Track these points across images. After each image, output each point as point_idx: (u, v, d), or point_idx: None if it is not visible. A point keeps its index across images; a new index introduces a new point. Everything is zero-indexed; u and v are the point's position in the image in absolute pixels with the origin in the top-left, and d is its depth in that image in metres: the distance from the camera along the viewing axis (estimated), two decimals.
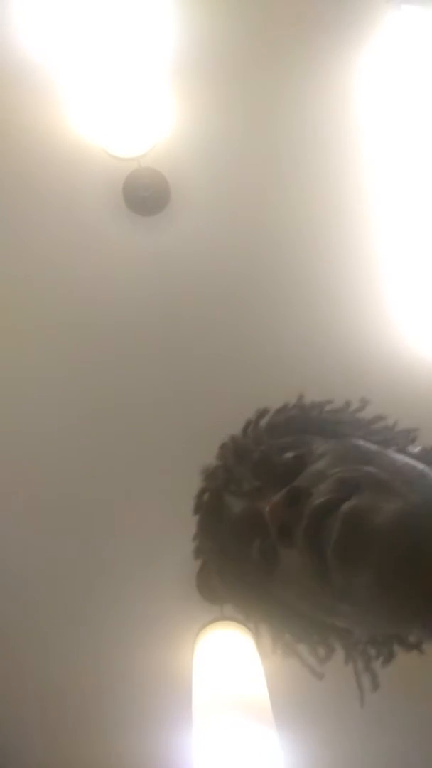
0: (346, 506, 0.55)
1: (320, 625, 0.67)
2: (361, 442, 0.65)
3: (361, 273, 1.75)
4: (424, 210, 1.68)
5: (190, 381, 1.84)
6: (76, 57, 1.50)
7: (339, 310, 1.78)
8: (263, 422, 0.73)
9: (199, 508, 0.74)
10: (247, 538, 0.64)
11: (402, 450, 0.65)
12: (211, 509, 0.71)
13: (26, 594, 1.98)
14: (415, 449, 0.65)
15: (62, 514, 1.93)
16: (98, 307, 1.79)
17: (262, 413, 0.73)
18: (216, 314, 1.80)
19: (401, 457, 0.62)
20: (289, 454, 0.64)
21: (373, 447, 0.64)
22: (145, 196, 1.67)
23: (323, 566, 0.55)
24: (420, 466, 0.61)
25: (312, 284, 1.78)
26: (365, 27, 1.55)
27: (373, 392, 0.75)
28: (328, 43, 1.56)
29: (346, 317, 1.78)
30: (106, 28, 1.47)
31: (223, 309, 1.80)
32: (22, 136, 1.61)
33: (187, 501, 1.96)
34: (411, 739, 2.08)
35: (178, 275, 1.76)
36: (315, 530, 0.55)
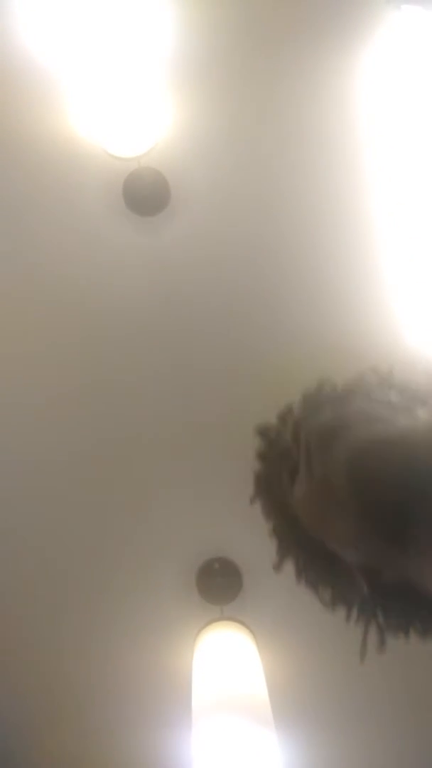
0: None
1: (343, 572, 0.69)
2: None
3: (362, 269, 1.75)
4: (424, 210, 1.68)
5: (190, 380, 1.84)
6: (77, 57, 1.50)
7: (339, 308, 1.78)
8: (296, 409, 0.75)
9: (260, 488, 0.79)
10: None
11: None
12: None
13: (26, 594, 1.98)
14: None
15: (62, 514, 1.93)
16: (98, 307, 1.79)
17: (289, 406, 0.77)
18: (216, 313, 1.80)
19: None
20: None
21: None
22: (145, 196, 1.68)
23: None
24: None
25: (312, 283, 1.78)
26: (365, 27, 1.55)
27: None
28: (328, 43, 1.56)
29: (346, 314, 1.78)
30: (106, 28, 1.47)
31: (223, 308, 1.80)
32: (22, 136, 1.61)
33: (188, 501, 1.97)
34: (411, 739, 2.08)
35: (177, 275, 1.76)
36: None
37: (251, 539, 1.96)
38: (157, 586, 1.97)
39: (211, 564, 1.97)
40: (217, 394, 1.84)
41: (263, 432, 0.76)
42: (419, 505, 0.57)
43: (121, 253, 1.75)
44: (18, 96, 1.57)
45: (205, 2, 1.52)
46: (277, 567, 0.76)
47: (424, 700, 2.03)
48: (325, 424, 0.67)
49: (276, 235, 1.75)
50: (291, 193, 1.71)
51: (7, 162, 1.65)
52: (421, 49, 1.53)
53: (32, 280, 1.77)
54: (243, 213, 1.73)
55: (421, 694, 2.02)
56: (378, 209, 1.71)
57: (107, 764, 2.03)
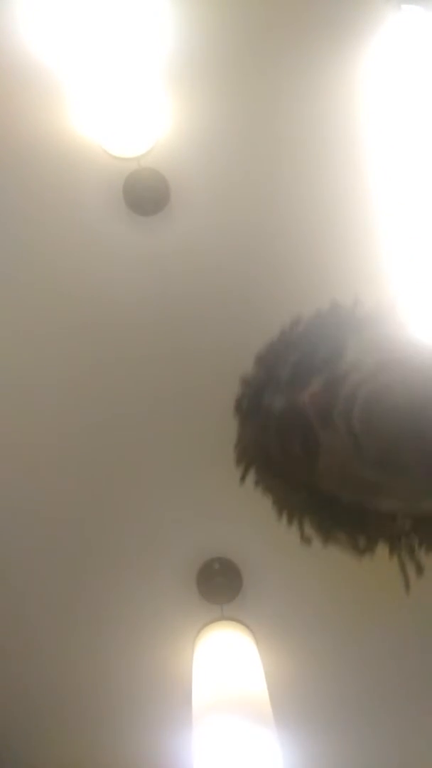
0: (366, 388, 0.62)
1: (362, 513, 0.71)
2: (387, 332, 0.72)
3: (363, 273, 1.75)
4: (425, 210, 1.68)
5: (190, 380, 1.84)
6: (76, 57, 1.51)
7: None
8: (299, 328, 0.80)
9: (239, 410, 0.80)
10: (289, 433, 0.70)
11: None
12: (252, 410, 0.77)
13: (25, 594, 1.98)
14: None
15: (62, 514, 1.93)
16: (98, 307, 1.79)
17: (296, 321, 0.82)
18: (216, 313, 1.80)
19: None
20: (326, 349, 0.71)
21: (395, 332, 0.71)
22: (145, 196, 1.68)
23: (356, 441, 0.62)
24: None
25: (312, 283, 1.78)
26: (365, 27, 1.55)
27: None
28: (327, 44, 1.56)
29: None
30: (106, 28, 1.47)
31: (223, 308, 1.80)
32: (22, 136, 1.62)
33: (188, 501, 1.97)
34: (411, 739, 2.08)
35: (177, 275, 1.77)
36: (348, 412, 0.62)
37: (251, 539, 1.97)
38: (157, 586, 1.97)
39: (211, 564, 1.97)
40: (218, 393, 1.84)
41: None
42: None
43: (121, 252, 1.75)
44: (18, 96, 1.57)
45: (205, 2, 1.52)
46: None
47: (424, 700, 2.04)
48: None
49: (276, 235, 1.75)
50: (291, 194, 1.71)
51: (6, 162, 1.65)
52: (422, 49, 1.53)
53: (32, 280, 1.77)
54: (243, 213, 1.73)
55: (421, 693, 2.03)
56: (379, 209, 1.71)
57: (107, 764, 2.04)
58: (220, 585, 1.97)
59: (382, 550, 0.74)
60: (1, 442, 1.87)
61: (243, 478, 0.81)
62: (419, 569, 0.72)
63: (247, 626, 1.92)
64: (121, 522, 1.94)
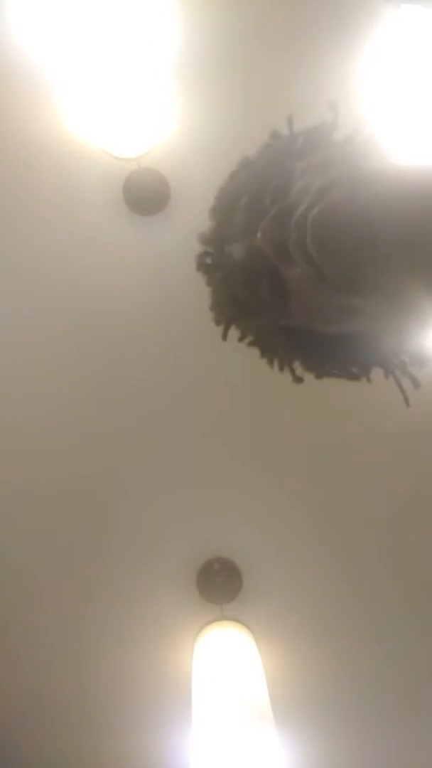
0: (321, 205, 0.58)
1: (346, 341, 0.69)
2: (333, 151, 0.69)
3: None
4: None
5: (190, 379, 1.84)
6: (77, 58, 1.50)
7: None
8: (244, 169, 0.77)
9: (204, 268, 0.76)
10: (255, 279, 0.67)
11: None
12: (217, 265, 0.74)
13: (26, 594, 1.98)
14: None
15: (62, 514, 1.93)
16: (98, 306, 1.79)
17: (241, 162, 0.79)
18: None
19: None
20: (273, 184, 0.67)
21: (343, 150, 0.68)
22: (145, 196, 1.68)
23: (315, 267, 0.58)
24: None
25: None
26: (365, 26, 1.55)
27: None
28: (328, 43, 1.56)
29: None
30: (107, 30, 1.47)
31: None
32: (22, 137, 1.61)
33: (188, 501, 1.96)
34: (410, 738, 2.08)
35: (177, 275, 1.76)
36: (302, 239, 0.59)
37: (251, 539, 1.97)
38: (157, 586, 1.97)
39: (211, 564, 1.97)
40: (218, 392, 1.84)
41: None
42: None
43: (121, 252, 1.75)
44: (19, 97, 1.56)
45: (206, 3, 1.52)
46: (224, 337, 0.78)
47: (423, 699, 2.04)
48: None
49: None
50: None
51: (7, 162, 1.65)
52: (421, 48, 1.53)
53: (33, 280, 1.77)
54: None
55: (421, 692, 2.03)
56: None
57: (107, 764, 2.04)
58: (220, 585, 1.97)
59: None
60: (4, 443, 1.87)
61: (224, 336, 0.79)
62: (415, 383, 0.69)
63: (247, 626, 1.92)
64: (121, 522, 1.94)
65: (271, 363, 0.76)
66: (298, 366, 0.74)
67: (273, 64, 1.59)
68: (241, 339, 0.77)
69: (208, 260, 0.75)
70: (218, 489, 1.90)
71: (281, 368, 0.75)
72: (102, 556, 1.96)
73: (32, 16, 1.49)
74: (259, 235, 0.63)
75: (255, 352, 0.79)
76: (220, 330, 0.77)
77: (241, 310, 0.72)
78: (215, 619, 1.93)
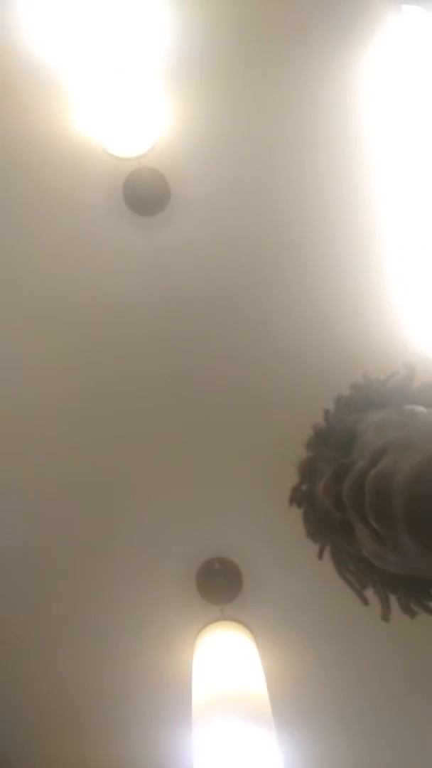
0: (372, 473, 0.59)
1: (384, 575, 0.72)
2: (405, 408, 0.69)
3: (363, 271, 1.75)
4: (425, 210, 1.68)
5: (190, 380, 1.84)
6: (77, 58, 1.51)
7: (340, 307, 1.78)
8: (335, 407, 0.78)
9: (294, 501, 0.80)
10: (331, 525, 0.71)
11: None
12: (304, 499, 0.77)
13: (26, 594, 1.98)
14: None
15: (63, 514, 1.93)
16: (98, 306, 1.79)
17: (338, 399, 0.79)
18: (216, 313, 1.80)
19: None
20: (343, 433, 0.70)
21: (414, 409, 0.68)
22: (146, 196, 1.68)
23: (371, 528, 0.60)
24: None
25: (312, 282, 1.78)
26: (366, 27, 1.55)
27: None
28: (328, 43, 1.56)
29: (347, 314, 1.78)
30: (106, 29, 1.47)
31: (222, 308, 1.80)
32: (22, 136, 1.61)
33: (188, 501, 1.96)
34: (410, 739, 2.08)
35: (177, 275, 1.76)
36: (355, 500, 0.60)
37: (251, 539, 1.97)
38: (157, 586, 1.97)
39: (211, 564, 1.97)
40: (218, 391, 1.84)
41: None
42: None
43: (121, 252, 1.75)
44: (18, 96, 1.57)
45: (205, 2, 1.52)
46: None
47: (423, 699, 2.04)
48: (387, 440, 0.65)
49: (276, 235, 1.75)
50: (291, 193, 1.71)
51: (7, 162, 1.65)
52: (422, 49, 1.53)
53: (32, 280, 1.77)
54: (243, 213, 1.73)
55: (421, 693, 2.03)
56: (380, 208, 1.71)
57: (107, 764, 2.04)
58: (220, 585, 1.97)
59: None
60: (4, 445, 1.87)
61: (320, 555, 0.80)
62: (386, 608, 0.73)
63: (247, 626, 1.92)
64: (121, 523, 1.94)
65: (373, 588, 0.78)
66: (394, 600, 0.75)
67: (273, 65, 1.59)
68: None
69: (297, 497, 0.79)
70: (218, 488, 1.90)
71: (378, 596, 0.77)
72: (101, 556, 1.96)
73: (32, 17, 1.49)
74: (320, 487, 0.66)
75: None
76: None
77: (337, 539, 0.74)
78: (215, 620, 1.93)
